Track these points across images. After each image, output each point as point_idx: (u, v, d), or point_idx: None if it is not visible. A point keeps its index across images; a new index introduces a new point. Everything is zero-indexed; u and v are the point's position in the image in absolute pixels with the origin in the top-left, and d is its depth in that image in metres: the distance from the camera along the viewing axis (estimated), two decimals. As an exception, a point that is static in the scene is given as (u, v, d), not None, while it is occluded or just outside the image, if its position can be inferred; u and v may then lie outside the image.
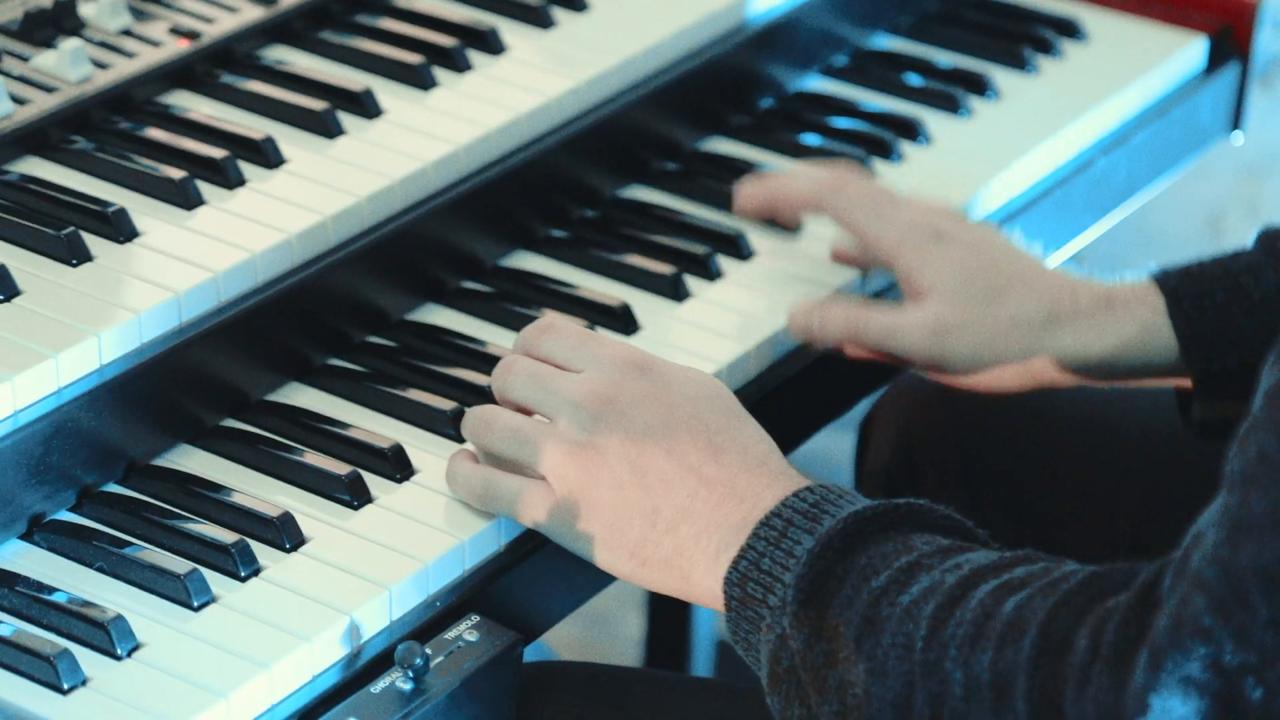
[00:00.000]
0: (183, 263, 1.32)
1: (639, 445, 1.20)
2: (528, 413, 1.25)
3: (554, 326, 1.27)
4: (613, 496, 1.20)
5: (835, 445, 1.90)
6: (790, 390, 1.43)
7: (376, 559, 1.23)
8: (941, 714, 1.08)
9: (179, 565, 1.20)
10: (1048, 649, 1.06)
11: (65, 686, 1.13)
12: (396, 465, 1.29)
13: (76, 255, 1.31)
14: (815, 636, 1.13)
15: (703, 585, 1.20)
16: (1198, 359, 1.39)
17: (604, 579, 1.32)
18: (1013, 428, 1.58)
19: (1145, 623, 1.03)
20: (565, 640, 2.41)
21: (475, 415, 1.26)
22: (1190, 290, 1.39)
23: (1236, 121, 1.81)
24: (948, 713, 1.08)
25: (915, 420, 1.60)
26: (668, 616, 2.13)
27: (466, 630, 1.20)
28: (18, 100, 1.40)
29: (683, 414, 1.22)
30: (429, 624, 1.21)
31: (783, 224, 1.51)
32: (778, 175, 1.49)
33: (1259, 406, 1.02)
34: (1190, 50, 1.76)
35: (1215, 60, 1.77)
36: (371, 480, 1.28)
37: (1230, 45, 1.78)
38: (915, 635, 1.10)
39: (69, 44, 1.42)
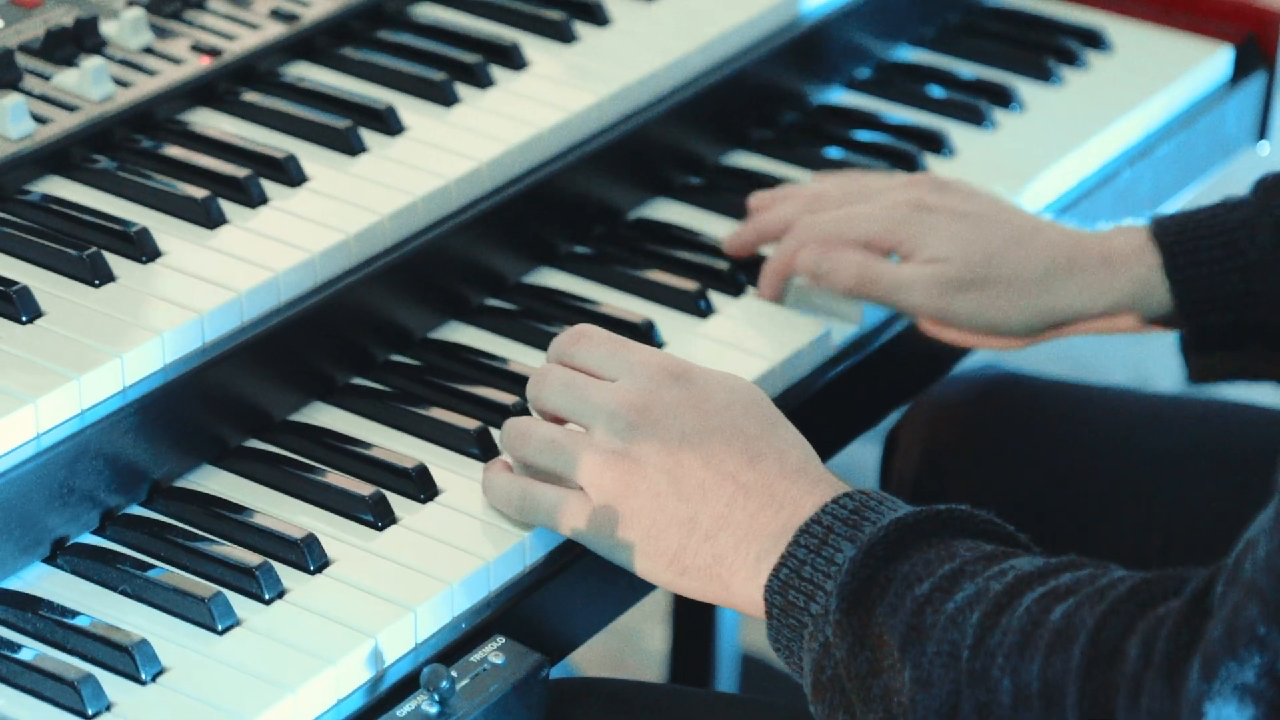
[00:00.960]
0: (205, 282, 1.31)
1: (675, 454, 1.20)
2: (563, 422, 1.25)
3: (587, 335, 1.26)
4: (650, 505, 1.20)
5: (862, 458, 1.89)
6: (817, 405, 1.42)
7: (401, 580, 1.22)
8: None
9: (203, 588, 1.20)
10: (1098, 657, 1.06)
11: (90, 712, 1.13)
12: (421, 485, 1.28)
13: (99, 275, 1.31)
14: (859, 645, 1.13)
15: (743, 593, 1.19)
16: (1192, 314, 1.41)
17: (630, 598, 1.32)
18: (1039, 439, 1.57)
19: (1198, 631, 1.03)
20: (589, 655, 2.40)
21: (512, 426, 1.26)
22: (1186, 246, 1.40)
23: (1263, 131, 1.80)
24: None
25: (941, 432, 1.59)
26: (692, 631, 2.12)
27: (492, 652, 1.20)
28: (39, 119, 1.40)
29: (719, 421, 1.21)
30: (454, 646, 1.21)
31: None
32: (758, 218, 1.48)
33: None
34: (1216, 60, 1.75)
35: (1241, 69, 1.76)
36: (396, 501, 1.28)
37: (1256, 54, 1.77)
38: (961, 643, 1.09)
39: (90, 62, 1.42)
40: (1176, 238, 1.40)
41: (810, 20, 1.65)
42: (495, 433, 1.32)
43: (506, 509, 1.25)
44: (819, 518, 1.17)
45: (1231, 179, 2.27)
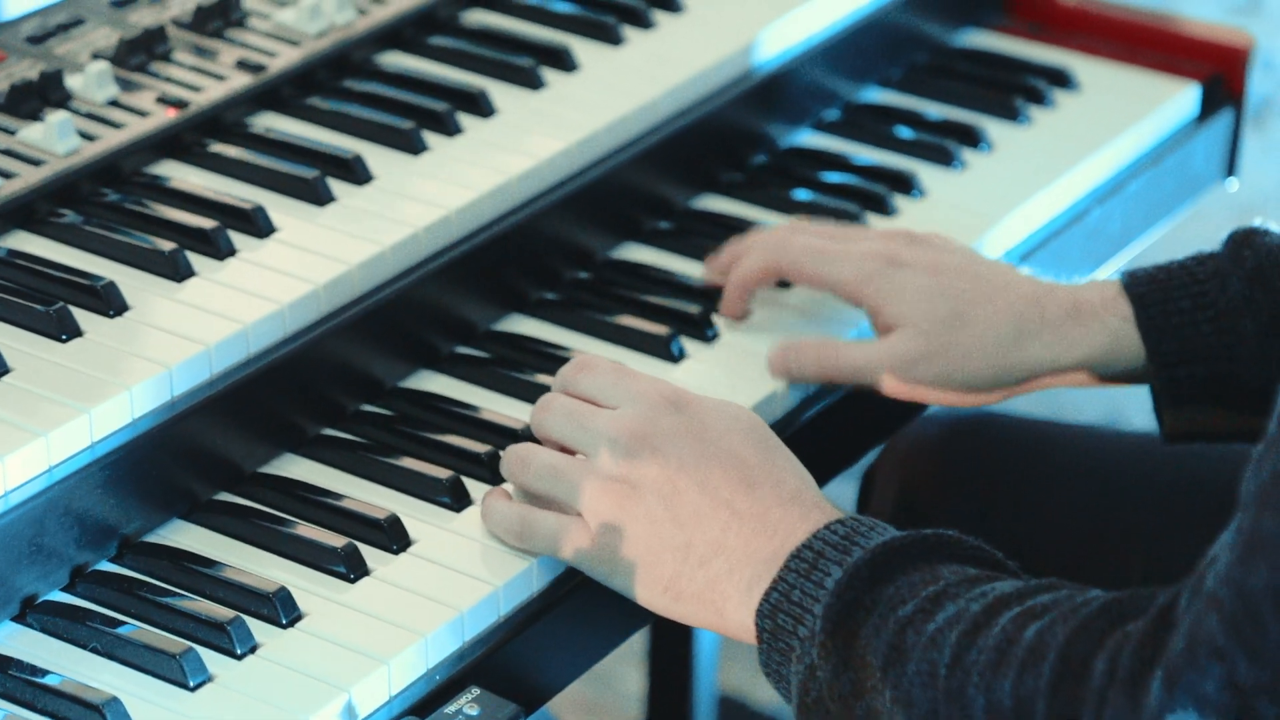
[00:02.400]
0: (174, 336, 1.31)
1: (673, 480, 1.22)
2: (566, 451, 1.26)
3: (591, 364, 1.29)
4: (647, 531, 1.22)
5: (838, 497, 1.89)
6: (794, 445, 1.41)
7: (374, 632, 1.21)
8: None
9: (174, 645, 1.19)
10: (1066, 674, 1.07)
11: (60, 771, 1.12)
12: (393, 536, 1.28)
13: (66, 331, 1.30)
14: (843, 666, 1.14)
15: (735, 618, 1.21)
16: (1164, 367, 1.40)
17: (607, 644, 1.31)
18: (1015, 477, 1.57)
19: (1161, 644, 1.04)
20: (566, 699, 2.39)
21: (513, 453, 1.28)
22: (1157, 297, 1.40)
23: (1231, 167, 1.80)
24: None
25: (917, 472, 1.59)
26: (669, 673, 2.11)
27: (467, 704, 1.19)
28: (5, 174, 1.39)
29: (717, 448, 1.23)
30: (429, 698, 1.20)
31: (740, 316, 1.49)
32: (732, 257, 1.48)
33: (1274, 429, 1.02)
34: (1183, 98, 1.75)
35: (1208, 107, 1.77)
36: (368, 552, 1.27)
37: (1222, 92, 1.77)
38: (939, 662, 1.11)
39: (56, 116, 1.42)
40: (1148, 289, 1.40)
41: (775, 64, 1.65)
42: (468, 481, 1.32)
43: (506, 536, 1.26)
44: (810, 543, 1.19)
45: (1201, 216, 2.28)
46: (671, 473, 1.22)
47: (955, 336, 1.39)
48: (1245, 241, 1.41)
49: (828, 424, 1.45)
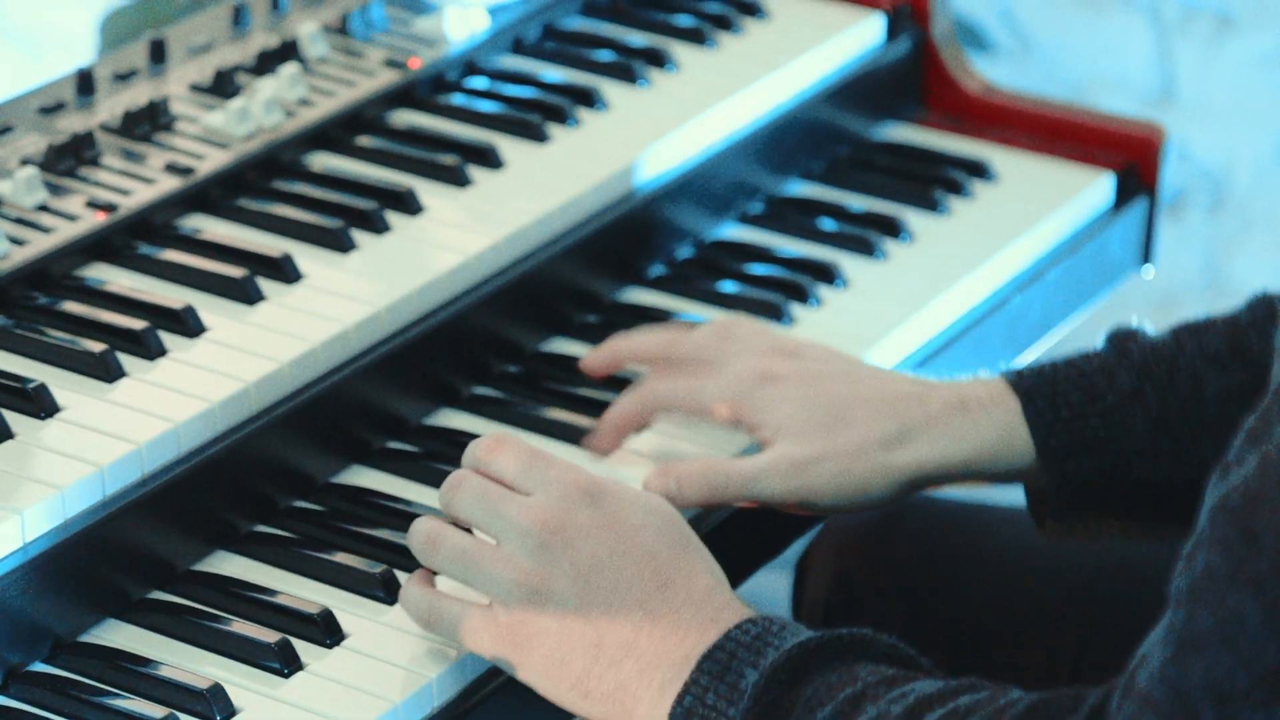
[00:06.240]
0: (105, 435, 1.31)
1: (585, 577, 1.21)
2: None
3: (504, 445, 1.26)
4: (557, 627, 1.21)
5: (772, 586, 1.90)
6: (725, 533, 1.42)
7: (309, 727, 1.22)
8: None
9: (108, 743, 1.18)
10: None
11: None
12: (326, 630, 1.28)
13: (-3, 432, 1.30)
14: None
15: None
16: (1054, 460, 1.38)
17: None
18: (948, 558, 1.58)
19: None
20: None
21: (423, 533, 1.26)
22: (1045, 391, 1.39)
23: (1147, 255, 1.83)
24: None
25: (850, 556, 1.60)
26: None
27: (403, 796, 1.19)
28: (-66, 279, 1.40)
29: (631, 544, 1.22)
30: (365, 791, 1.20)
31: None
32: (611, 354, 1.47)
33: (1203, 524, 1.02)
34: (1097, 187, 1.79)
35: (1123, 196, 1.80)
36: (301, 646, 1.27)
37: (1136, 181, 1.81)
38: None
39: (-15, 221, 1.43)
40: (1034, 384, 1.39)
41: (700, 159, 1.68)
42: (400, 575, 1.32)
43: (417, 622, 1.26)
44: (722, 644, 1.18)
45: (1120, 305, 2.31)
46: (585, 570, 1.21)
47: (838, 439, 1.37)
48: (1128, 338, 1.42)
49: (754, 514, 1.46)
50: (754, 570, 1.48)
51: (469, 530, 1.27)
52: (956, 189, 1.76)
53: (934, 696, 1.12)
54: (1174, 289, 3.00)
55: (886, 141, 1.83)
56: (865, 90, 1.82)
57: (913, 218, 1.73)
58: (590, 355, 1.49)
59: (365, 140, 1.63)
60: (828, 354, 1.44)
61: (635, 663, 1.20)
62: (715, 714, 1.16)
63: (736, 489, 1.37)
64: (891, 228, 1.71)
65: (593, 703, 1.21)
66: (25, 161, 1.51)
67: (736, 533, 1.44)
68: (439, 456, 1.44)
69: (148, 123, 1.56)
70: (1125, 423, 1.39)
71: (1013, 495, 1.49)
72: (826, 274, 1.65)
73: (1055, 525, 1.42)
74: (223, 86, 1.61)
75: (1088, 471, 1.39)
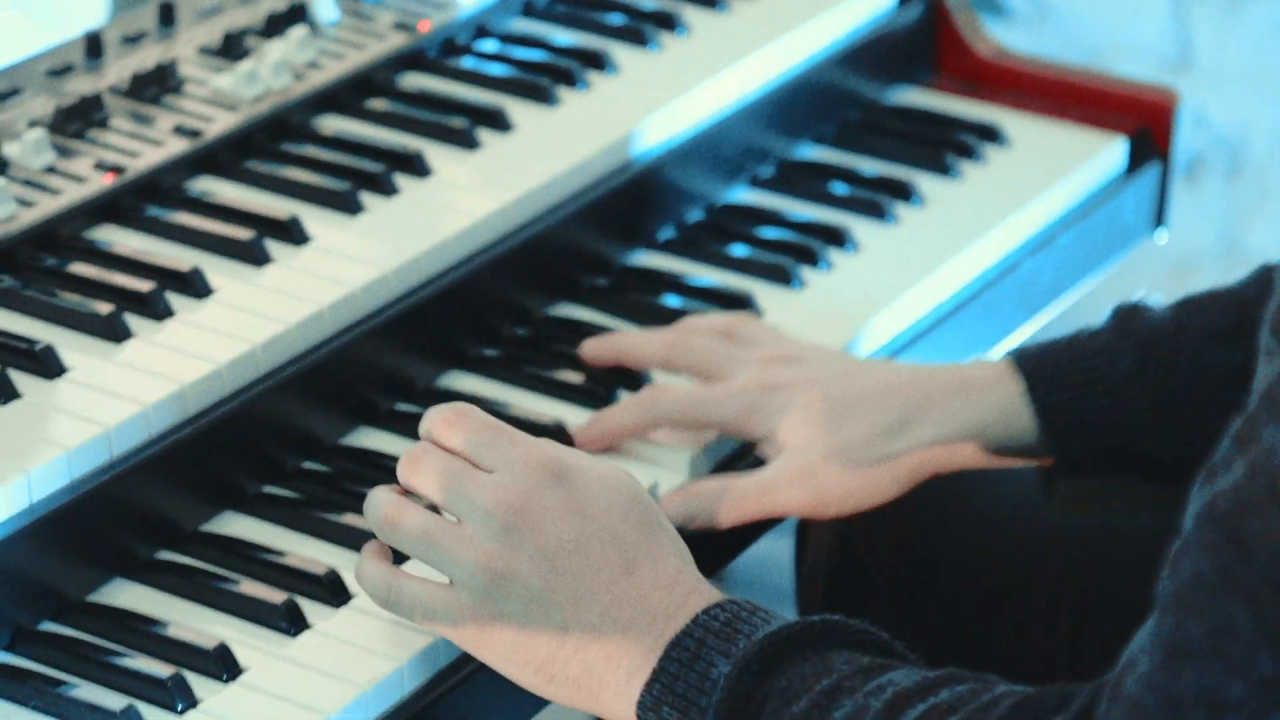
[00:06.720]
0: (112, 396, 1.31)
1: (550, 560, 1.18)
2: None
3: (464, 418, 1.22)
4: (522, 611, 1.18)
5: (774, 549, 1.90)
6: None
7: (315, 686, 1.22)
8: None
9: (115, 702, 1.19)
10: None
11: (1, 829, 1.12)
12: (333, 591, 1.28)
13: (3, 394, 1.30)
14: None
15: (614, 708, 1.18)
16: (1058, 440, 1.39)
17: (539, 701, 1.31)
18: (951, 518, 1.57)
19: None
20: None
21: (380, 509, 1.22)
22: (1048, 373, 1.39)
23: (1160, 220, 1.83)
24: None
25: (851, 518, 1.59)
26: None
27: (409, 755, 1.19)
28: (-57, 240, 1.40)
29: (596, 526, 1.19)
30: (371, 750, 1.20)
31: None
32: (610, 347, 1.45)
33: (1190, 529, 1.01)
34: (1110, 152, 1.78)
35: (1136, 160, 1.80)
36: (308, 606, 1.27)
37: (1150, 145, 1.80)
38: None
39: (-7, 183, 1.43)
40: (1038, 364, 1.39)
41: (710, 122, 1.67)
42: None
43: (375, 599, 1.23)
44: (690, 630, 1.16)
45: (1135, 271, 2.31)
46: (549, 552, 1.18)
47: (843, 435, 1.36)
48: (1131, 315, 1.42)
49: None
50: (756, 538, 1.48)
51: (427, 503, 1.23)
52: (968, 153, 1.76)
53: (913, 691, 1.11)
54: (1191, 255, 2.99)
55: (898, 105, 1.82)
56: (877, 54, 1.81)
57: (924, 182, 1.72)
58: (591, 344, 1.47)
59: (374, 103, 1.63)
60: (827, 355, 1.43)
61: (601, 649, 1.17)
62: (685, 703, 1.15)
63: (755, 504, 1.36)
64: (903, 191, 1.70)
65: (558, 687, 1.19)
66: (33, 124, 1.51)
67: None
68: (447, 419, 1.44)
69: (156, 85, 1.56)
70: (1128, 403, 1.39)
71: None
72: (837, 237, 1.64)
73: (1066, 496, 1.41)
74: (231, 49, 1.61)
75: (1091, 451, 1.39)
